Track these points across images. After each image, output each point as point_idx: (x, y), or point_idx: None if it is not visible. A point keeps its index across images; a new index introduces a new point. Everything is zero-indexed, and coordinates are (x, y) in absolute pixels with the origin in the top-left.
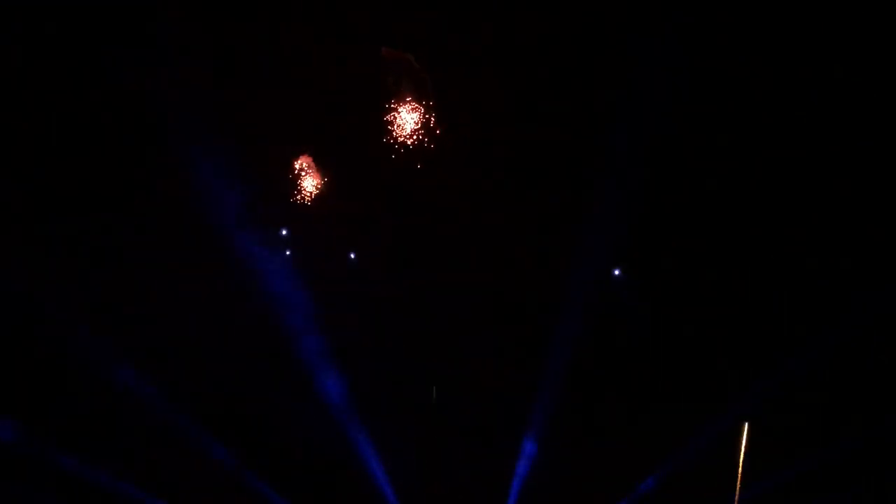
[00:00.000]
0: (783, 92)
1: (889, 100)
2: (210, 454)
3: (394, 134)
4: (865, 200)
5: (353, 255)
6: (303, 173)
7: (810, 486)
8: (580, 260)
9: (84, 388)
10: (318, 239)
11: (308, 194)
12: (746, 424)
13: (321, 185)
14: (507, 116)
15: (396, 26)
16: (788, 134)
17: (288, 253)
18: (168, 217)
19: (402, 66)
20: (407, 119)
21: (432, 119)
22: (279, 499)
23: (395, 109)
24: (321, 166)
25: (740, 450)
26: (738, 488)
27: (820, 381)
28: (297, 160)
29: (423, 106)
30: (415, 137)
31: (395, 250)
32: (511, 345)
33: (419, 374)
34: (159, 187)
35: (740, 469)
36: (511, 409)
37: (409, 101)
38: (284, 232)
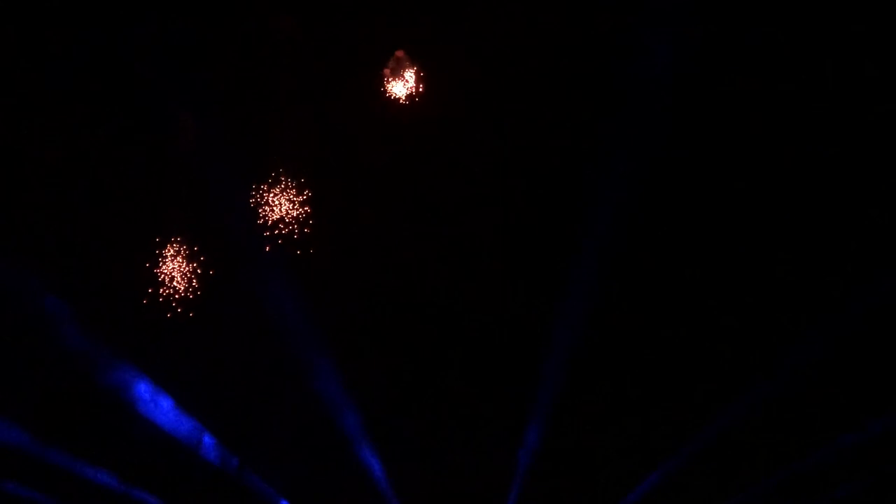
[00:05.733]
0: (785, 90)
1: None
2: (208, 454)
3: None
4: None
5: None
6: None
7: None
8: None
9: (81, 388)
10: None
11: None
12: None
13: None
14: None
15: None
16: (791, 131)
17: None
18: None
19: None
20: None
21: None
22: (278, 498)
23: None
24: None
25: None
26: None
27: (819, 381)
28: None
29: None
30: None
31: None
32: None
33: (418, 365)
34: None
35: None
36: (510, 402)
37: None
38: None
